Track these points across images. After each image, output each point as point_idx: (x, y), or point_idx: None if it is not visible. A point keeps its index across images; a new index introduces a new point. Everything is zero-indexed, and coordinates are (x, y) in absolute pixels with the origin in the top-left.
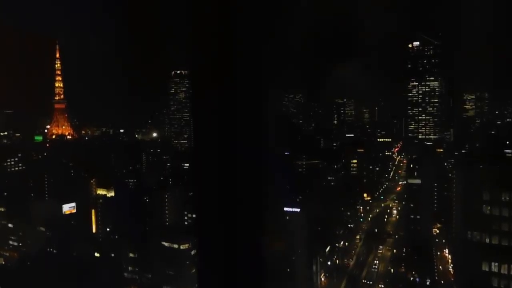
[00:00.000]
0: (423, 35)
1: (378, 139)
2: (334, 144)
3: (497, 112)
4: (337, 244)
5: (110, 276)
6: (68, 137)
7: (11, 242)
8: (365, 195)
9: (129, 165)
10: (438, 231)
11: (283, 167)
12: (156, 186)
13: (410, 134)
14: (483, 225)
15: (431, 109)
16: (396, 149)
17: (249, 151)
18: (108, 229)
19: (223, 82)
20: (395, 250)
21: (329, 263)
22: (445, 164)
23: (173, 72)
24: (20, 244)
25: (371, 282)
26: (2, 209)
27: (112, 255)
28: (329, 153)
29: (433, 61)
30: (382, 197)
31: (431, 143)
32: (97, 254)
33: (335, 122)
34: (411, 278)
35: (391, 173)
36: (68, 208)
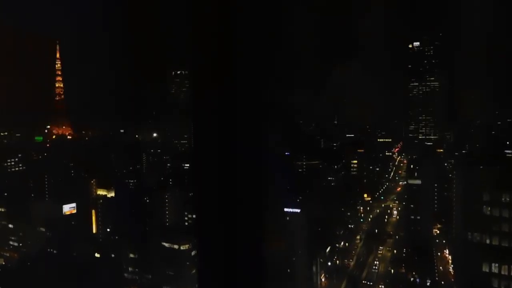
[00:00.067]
0: (423, 36)
1: (378, 139)
2: (334, 144)
3: (497, 113)
4: (337, 245)
5: (110, 277)
6: (68, 137)
7: (11, 243)
8: (365, 195)
9: (129, 165)
10: (438, 232)
11: (283, 167)
12: (156, 186)
13: (410, 135)
14: (484, 226)
15: (431, 109)
16: (397, 149)
17: (249, 151)
18: (108, 230)
19: (223, 82)
20: (395, 251)
21: (329, 263)
22: (446, 164)
23: (173, 73)
24: (21, 244)
25: (371, 283)
26: (2, 210)
27: (112, 255)
28: (329, 153)
29: (433, 61)
30: (382, 198)
31: (431, 143)
32: (97, 255)
33: (336, 122)
34: (411, 279)
35: (391, 174)
36: (68, 208)
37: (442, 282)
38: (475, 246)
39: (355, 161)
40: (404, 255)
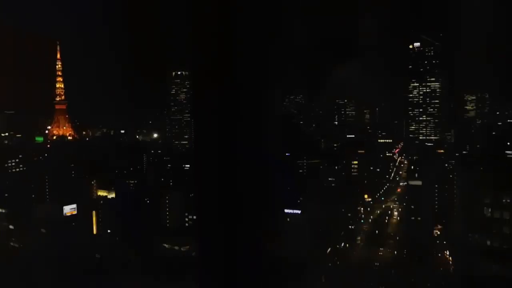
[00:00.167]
0: (423, 36)
1: (379, 140)
2: (335, 145)
3: (498, 113)
4: (337, 246)
5: (111, 278)
6: (69, 138)
7: (11, 244)
8: (365, 196)
9: (130, 166)
10: (439, 233)
11: (284, 168)
12: (157, 187)
13: (410, 135)
14: (484, 227)
15: (431, 110)
16: (397, 150)
17: (249, 151)
18: (109, 231)
19: (223, 82)
20: (395, 252)
21: (329, 264)
22: (446, 165)
23: (173, 73)
24: (21, 245)
25: (371, 284)
26: (3, 211)
27: (113, 256)
28: (329, 154)
29: (433, 61)
30: (382, 199)
31: (431, 144)
32: (98, 256)
33: (336, 123)
34: (412, 280)
35: (392, 174)
36: (69, 209)
37: (443, 284)
38: (475, 247)
39: (356, 162)
40: (404, 256)
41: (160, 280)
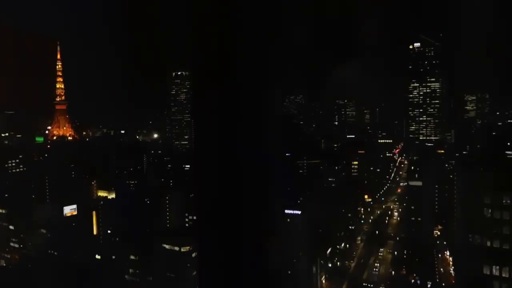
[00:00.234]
0: (423, 36)
1: (379, 140)
2: (335, 145)
3: (498, 113)
4: (337, 246)
5: (111, 279)
6: (69, 138)
7: (12, 244)
8: (366, 196)
9: (130, 166)
10: (439, 233)
11: (284, 168)
12: (157, 187)
13: (411, 135)
14: (484, 228)
15: (432, 110)
16: (397, 150)
17: (250, 151)
18: (109, 231)
19: (223, 82)
20: (396, 252)
21: (329, 265)
22: (446, 165)
23: (173, 73)
24: (21, 246)
25: (372, 285)
26: (3, 211)
27: (113, 257)
28: (329, 154)
29: (433, 62)
30: (383, 199)
31: (432, 144)
32: (98, 256)
33: (336, 123)
34: (412, 281)
35: (392, 175)
36: (69, 210)
37: (443, 284)
38: (476, 248)
39: (356, 162)
40: (404, 256)
41: (160, 280)
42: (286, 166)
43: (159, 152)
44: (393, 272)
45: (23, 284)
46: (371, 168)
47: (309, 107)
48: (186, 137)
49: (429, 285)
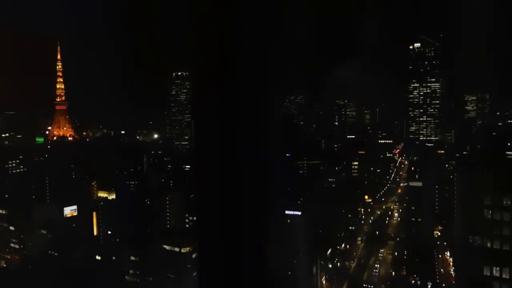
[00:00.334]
0: (423, 36)
1: (379, 141)
2: (335, 145)
3: (498, 113)
4: (338, 247)
5: (111, 279)
6: (69, 138)
7: (12, 245)
8: (366, 197)
9: (130, 167)
10: (439, 234)
11: (284, 169)
12: (157, 188)
13: (411, 136)
14: (485, 229)
15: (432, 110)
16: (397, 151)
17: (250, 151)
18: (109, 232)
19: (223, 82)
20: (396, 253)
21: (330, 265)
22: (446, 165)
23: (173, 74)
24: (21, 246)
25: (372, 286)
26: (3, 211)
27: (114, 258)
28: (330, 154)
29: (434, 62)
30: (383, 199)
31: (432, 145)
32: (98, 257)
33: (336, 123)
34: (412, 281)
35: (392, 175)
36: (69, 210)
37: (443, 285)
38: (476, 249)
39: (356, 163)
40: (405, 257)
41: (160, 281)
42: (286, 166)
43: (159, 152)
44: (393, 273)
45: (24, 285)
46: (371, 169)
47: (309, 107)
48: (186, 137)
49: (429, 286)
